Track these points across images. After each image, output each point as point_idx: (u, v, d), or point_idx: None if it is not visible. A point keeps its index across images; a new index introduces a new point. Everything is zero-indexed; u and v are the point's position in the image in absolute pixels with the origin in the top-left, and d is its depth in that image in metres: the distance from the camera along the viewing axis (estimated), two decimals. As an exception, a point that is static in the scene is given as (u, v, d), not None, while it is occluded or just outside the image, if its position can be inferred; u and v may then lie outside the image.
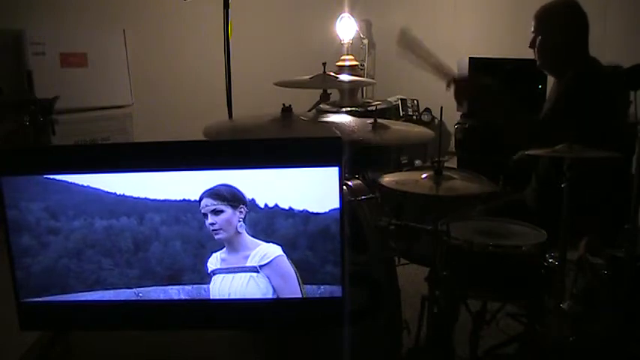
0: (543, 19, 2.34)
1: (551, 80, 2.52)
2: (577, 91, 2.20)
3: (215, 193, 1.65)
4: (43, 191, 1.61)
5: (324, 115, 2.27)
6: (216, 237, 1.63)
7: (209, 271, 1.66)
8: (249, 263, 1.66)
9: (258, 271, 1.65)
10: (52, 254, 1.63)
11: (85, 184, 1.61)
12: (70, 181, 1.61)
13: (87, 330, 1.81)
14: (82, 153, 1.78)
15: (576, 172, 1.75)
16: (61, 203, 1.61)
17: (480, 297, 2.05)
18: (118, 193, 1.62)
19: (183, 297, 1.66)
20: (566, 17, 2.32)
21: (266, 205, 1.61)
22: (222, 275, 1.66)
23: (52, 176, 1.61)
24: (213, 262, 1.66)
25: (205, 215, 1.63)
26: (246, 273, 1.66)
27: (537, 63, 2.40)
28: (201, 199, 1.63)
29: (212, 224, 1.64)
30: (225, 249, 1.64)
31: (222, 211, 1.64)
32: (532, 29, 2.36)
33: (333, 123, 2.18)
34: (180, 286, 1.66)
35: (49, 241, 1.63)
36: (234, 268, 1.66)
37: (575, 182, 1.75)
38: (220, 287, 1.66)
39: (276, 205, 1.61)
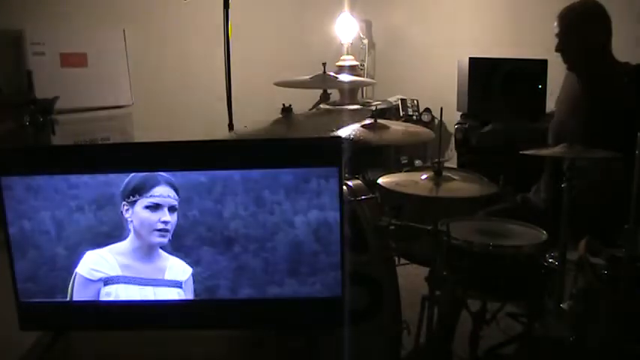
0: (570, 21, 2.30)
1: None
2: (617, 100, 2.19)
3: (171, 183, 1.55)
4: (43, 191, 1.61)
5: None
6: (158, 239, 1.57)
7: (96, 278, 1.60)
8: (168, 277, 1.59)
9: (181, 287, 1.61)
10: (52, 254, 1.63)
11: (86, 184, 1.61)
12: (70, 180, 1.61)
13: (87, 330, 1.81)
14: (82, 153, 1.78)
15: (577, 172, 1.75)
16: (62, 203, 1.61)
17: (480, 297, 2.05)
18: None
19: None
20: (594, 18, 2.29)
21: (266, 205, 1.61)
22: (124, 286, 1.61)
23: (52, 176, 1.61)
24: (104, 265, 1.60)
25: (156, 208, 1.56)
26: (168, 288, 1.60)
27: (566, 66, 2.38)
28: (155, 183, 1.55)
29: (164, 222, 1.57)
30: (129, 252, 1.59)
31: (175, 210, 1.57)
32: (555, 31, 2.33)
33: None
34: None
35: (50, 240, 1.63)
36: (146, 280, 1.60)
37: (577, 182, 1.75)
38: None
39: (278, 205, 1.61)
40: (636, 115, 2.17)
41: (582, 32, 2.28)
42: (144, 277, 1.61)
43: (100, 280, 1.62)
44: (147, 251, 1.60)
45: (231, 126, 2.80)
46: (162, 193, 1.56)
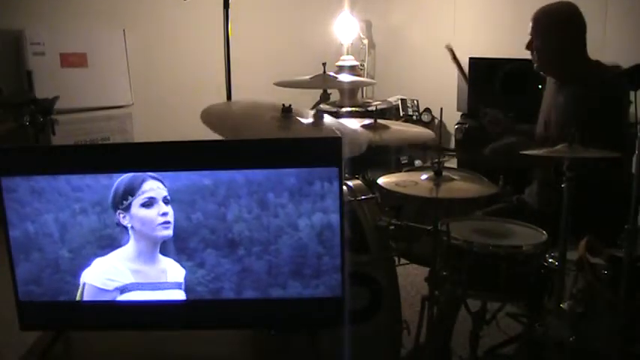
0: (542, 22, 2.33)
1: (550, 80, 2.51)
2: (589, 98, 2.20)
3: (156, 177, 1.54)
4: (43, 191, 1.61)
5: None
6: (163, 232, 1.56)
7: (111, 288, 1.60)
8: (170, 279, 1.59)
9: (181, 288, 1.61)
10: (52, 254, 1.63)
11: (85, 184, 1.61)
12: (69, 181, 1.61)
13: (87, 330, 1.81)
14: (82, 153, 1.78)
15: (576, 172, 1.75)
16: (61, 203, 1.61)
17: (480, 297, 2.05)
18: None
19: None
20: (565, 20, 2.31)
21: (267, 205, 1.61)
22: (139, 292, 1.61)
23: (51, 176, 1.61)
24: (118, 274, 1.59)
25: (151, 202, 1.55)
26: (172, 290, 1.60)
27: (534, 65, 2.40)
28: (142, 181, 1.54)
29: (164, 214, 1.55)
30: (134, 257, 1.59)
31: (169, 201, 1.56)
32: (529, 31, 2.36)
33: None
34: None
35: (49, 241, 1.63)
36: (155, 284, 1.60)
37: (575, 182, 1.75)
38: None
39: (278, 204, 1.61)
40: (617, 115, 2.18)
41: (552, 34, 2.30)
42: (153, 281, 1.61)
43: (115, 289, 1.62)
44: (150, 253, 1.60)
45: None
46: (152, 186, 1.56)
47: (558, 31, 2.30)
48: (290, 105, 2.11)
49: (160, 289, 1.60)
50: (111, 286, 1.60)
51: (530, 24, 2.36)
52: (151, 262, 1.59)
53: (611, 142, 1.89)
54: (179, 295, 1.62)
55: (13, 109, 3.33)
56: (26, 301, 1.67)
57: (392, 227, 2.04)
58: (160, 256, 1.60)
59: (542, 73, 2.43)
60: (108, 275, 1.59)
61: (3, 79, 3.86)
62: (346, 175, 2.21)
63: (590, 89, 2.22)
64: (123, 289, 1.60)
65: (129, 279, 1.60)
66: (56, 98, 3.42)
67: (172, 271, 1.60)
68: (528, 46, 2.37)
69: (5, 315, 1.74)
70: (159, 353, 1.81)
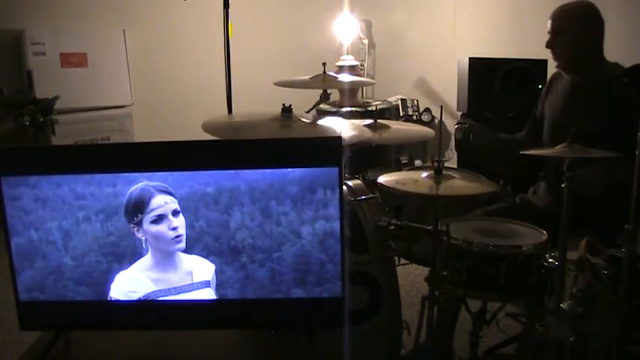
0: (564, 19, 2.32)
1: (562, 84, 2.51)
2: (610, 99, 2.20)
3: (163, 190, 1.54)
4: (43, 191, 1.61)
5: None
6: (176, 246, 1.57)
7: (135, 299, 1.61)
8: (197, 279, 1.59)
9: (209, 286, 1.60)
10: (51, 254, 1.63)
11: (85, 184, 1.61)
12: (69, 181, 1.61)
13: (87, 330, 1.81)
14: (82, 153, 1.78)
15: (577, 172, 1.75)
16: (61, 203, 1.61)
17: (480, 297, 2.05)
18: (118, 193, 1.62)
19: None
20: (585, 18, 2.31)
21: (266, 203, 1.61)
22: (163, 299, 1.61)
23: (51, 176, 1.61)
24: (139, 285, 1.60)
25: (160, 219, 1.56)
26: (199, 290, 1.60)
27: (556, 64, 2.38)
28: (150, 197, 1.54)
29: (174, 229, 1.56)
30: (154, 267, 1.60)
31: (178, 212, 1.56)
32: (549, 29, 2.35)
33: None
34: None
35: (49, 241, 1.63)
36: (179, 288, 1.60)
37: (577, 182, 1.75)
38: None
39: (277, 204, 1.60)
40: (635, 115, 2.17)
41: (574, 32, 2.29)
42: (176, 285, 1.62)
43: (139, 299, 1.63)
44: (169, 260, 1.60)
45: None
46: (160, 203, 1.56)
47: (580, 30, 2.30)
48: (290, 105, 2.11)
49: (184, 291, 1.61)
50: (134, 297, 1.61)
51: (550, 22, 2.35)
52: (172, 269, 1.60)
53: (630, 142, 1.89)
54: (207, 293, 1.62)
55: (13, 109, 3.33)
56: (26, 301, 1.67)
57: (392, 227, 2.04)
58: (184, 259, 1.60)
59: (561, 71, 2.42)
60: (128, 287, 1.60)
61: (3, 79, 3.86)
62: (346, 175, 2.21)
63: (610, 90, 2.21)
64: (147, 298, 1.61)
65: (150, 287, 1.61)
66: (56, 98, 3.43)
67: (200, 270, 1.60)
68: (549, 44, 2.36)
69: (5, 315, 1.74)
70: (159, 353, 1.81)
